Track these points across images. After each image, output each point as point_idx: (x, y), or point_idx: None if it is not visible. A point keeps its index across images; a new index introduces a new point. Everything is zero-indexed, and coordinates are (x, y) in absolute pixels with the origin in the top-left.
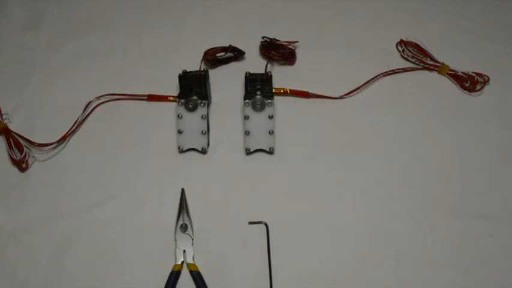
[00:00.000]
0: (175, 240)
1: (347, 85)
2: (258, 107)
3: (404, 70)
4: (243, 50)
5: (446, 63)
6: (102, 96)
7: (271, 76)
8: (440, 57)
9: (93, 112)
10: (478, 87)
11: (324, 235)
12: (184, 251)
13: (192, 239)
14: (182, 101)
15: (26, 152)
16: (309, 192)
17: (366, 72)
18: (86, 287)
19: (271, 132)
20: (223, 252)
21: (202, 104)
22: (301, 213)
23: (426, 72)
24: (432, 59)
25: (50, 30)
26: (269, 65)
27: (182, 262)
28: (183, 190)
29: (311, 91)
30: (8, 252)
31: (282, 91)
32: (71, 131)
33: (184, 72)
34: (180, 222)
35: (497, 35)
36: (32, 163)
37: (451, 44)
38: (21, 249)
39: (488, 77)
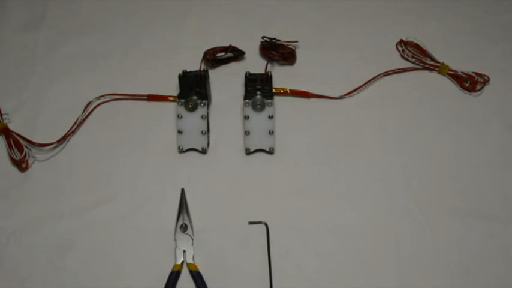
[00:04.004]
0: (175, 240)
1: (347, 85)
2: (258, 107)
3: (404, 70)
4: (243, 50)
5: (446, 63)
6: (102, 96)
7: (271, 76)
8: (440, 57)
9: (93, 112)
10: (478, 87)
11: (324, 235)
12: (184, 251)
13: (192, 239)
14: (182, 101)
15: (26, 152)
16: (309, 192)
17: (366, 72)
18: (85, 287)
19: (271, 132)
20: (224, 252)
21: (202, 104)
22: (301, 213)
23: (426, 72)
24: (432, 59)
25: (50, 30)
26: (269, 65)
27: (182, 262)
28: (183, 190)
29: (311, 91)
30: (8, 252)
31: (282, 91)
32: (71, 131)
33: (184, 72)
34: (180, 222)
35: (497, 35)
36: (32, 163)
37: (451, 44)
38: (21, 249)
39: (488, 77)
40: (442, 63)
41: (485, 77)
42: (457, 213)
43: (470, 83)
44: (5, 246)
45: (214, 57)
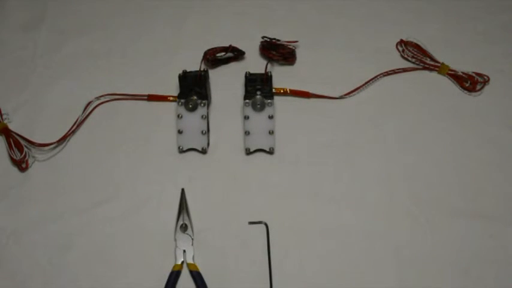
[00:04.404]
0: (175, 240)
1: (347, 85)
2: (258, 107)
3: (405, 70)
4: (243, 50)
5: (446, 63)
6: (102, 96)
7: (271, 76)
8: (440, 57)
9: (93, 112)
10: (478, 87)
11: (324, 235)
12: (184, 251)
13: (192, 239)
14: (182, 101)
15: (26, 152)
16: (309, 192)
17: (366, 72)
18: (85, 286)
19: (271, 132)
20: (224, 252)
21: (202, 104)
22: (301, 213)
23: (426, 72)
24: (432, 59)
25: (50, 30)
26: (269, 65)
27: (182, 262)
28: (183, 190)
29: (311, 91)
30: (8, 252)
31: (282, 91)
32: (71, 131)
33: (184, 72)
34: (180, 222)
35: (497, 35)
36: (32, 163)
37: (451, 44)
38: (21, 249)
39: (488, 77)
40: (442, 63)
41: (485, 77)
42: (457, 213)
43: (470, 83)
44: (5, 246)
45: (214, 57)
